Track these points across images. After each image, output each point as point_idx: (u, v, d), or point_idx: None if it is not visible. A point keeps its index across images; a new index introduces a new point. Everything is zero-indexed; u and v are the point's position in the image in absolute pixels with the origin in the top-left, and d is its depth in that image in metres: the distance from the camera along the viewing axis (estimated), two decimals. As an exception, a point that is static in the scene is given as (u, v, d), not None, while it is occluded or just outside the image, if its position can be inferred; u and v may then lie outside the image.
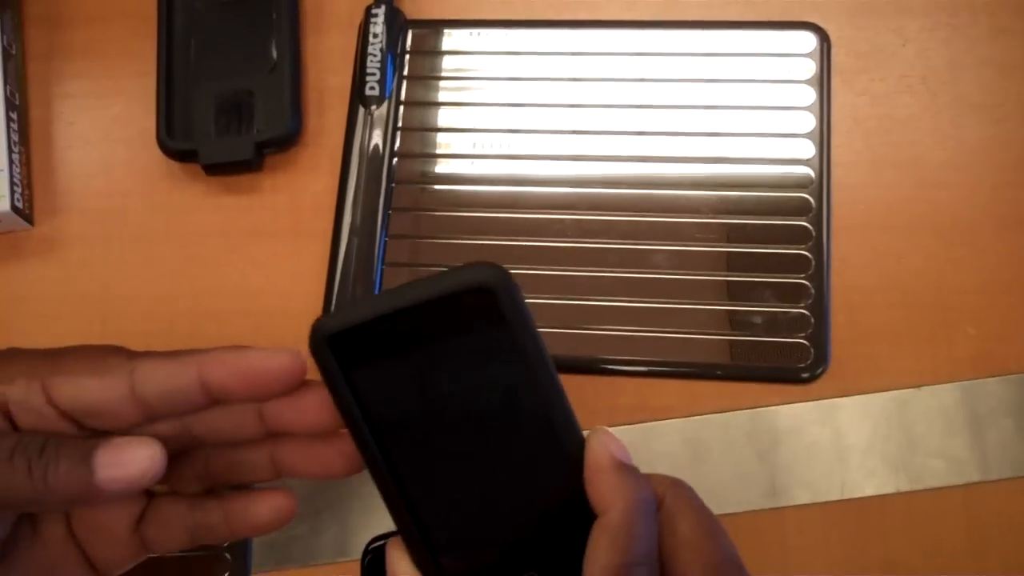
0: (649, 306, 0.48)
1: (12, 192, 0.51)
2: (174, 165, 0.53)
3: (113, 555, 0.33)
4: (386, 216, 0.50)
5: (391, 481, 0.30)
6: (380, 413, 0.29)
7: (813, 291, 0.48)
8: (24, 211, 0.51)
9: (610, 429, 0.31)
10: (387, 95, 0.52)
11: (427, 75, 0.53)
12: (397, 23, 0.53)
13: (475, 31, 0.53)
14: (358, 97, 0.52)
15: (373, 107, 0.52)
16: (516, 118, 0.51)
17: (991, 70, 0.51)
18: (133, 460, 0.29)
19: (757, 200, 0.49)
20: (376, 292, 0.49)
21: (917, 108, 0.51)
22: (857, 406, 0.46)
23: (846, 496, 0.45)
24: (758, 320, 0.47)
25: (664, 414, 0.47)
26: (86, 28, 0.55)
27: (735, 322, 0.48)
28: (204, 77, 0.52)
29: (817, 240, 0.48)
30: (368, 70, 0.52)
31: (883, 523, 0.45)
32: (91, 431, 0.31)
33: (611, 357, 0.48)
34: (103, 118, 0.54)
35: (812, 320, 0.47)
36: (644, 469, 0.31)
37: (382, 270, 0.49)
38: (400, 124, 0.52)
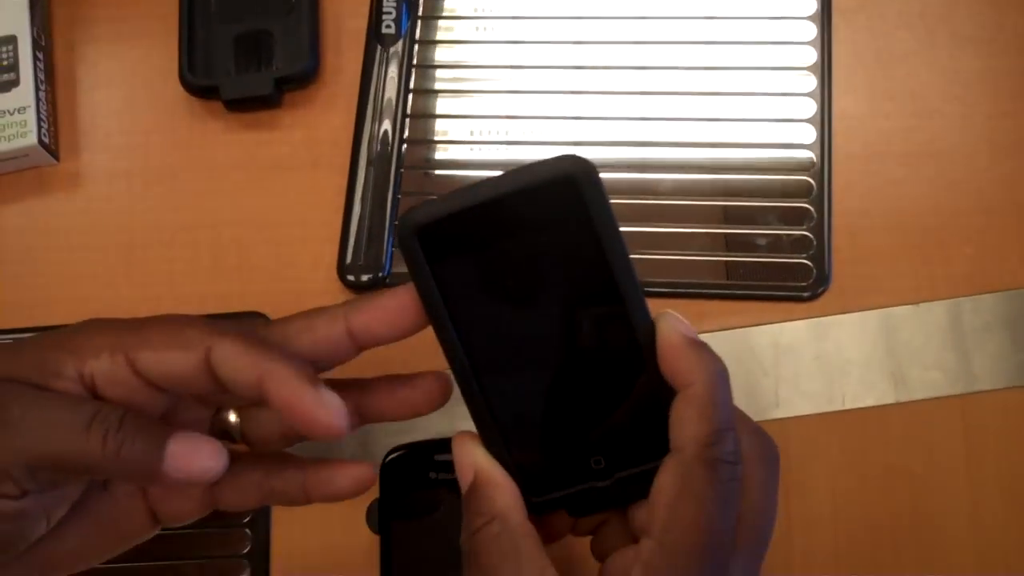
0: (657, 231, 0.50)
1: (40, 127, 0.52)
2: (195, 103, 0.54)
3: (181, 509, 0.34)
4: (401, 147, 0.52)
5: (470, 372, 0.31)
6: (461, 305, 0.30)
7: (815, 214, 0.49)
8: (50, 146, 0.53)
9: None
10: (402, 34, 0.54)
11: (440, 15, 0.54)
12: (411, -36, 0.54)
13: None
14: (375, 36, 0.54)
15: (390, 45, 0.53)
16: (522, 55, 0.53)
17: (986, 5, 0.53)
18: (201, 458, 0.30)
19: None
20: (394, 220, 0.51)
21: (914, 43, 0.53)
22: (857, 323, 0.48)
23: (848, 407, 0.47)
24: (762, 241, 0.49)
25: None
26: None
27: (741, 243, 0.49)
28: (224, 18, 0.54)
29: (819, 168, 0.50)
30: (384, 9, 0.54)
31: (884, 432, 0.47)
32: (170, 396, 0.32)
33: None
34: (126, 59, 0.56)
35: (814, 241, 0.49)
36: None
37: (398, 199, 0.51)
38: (415, 62, 0.54)
